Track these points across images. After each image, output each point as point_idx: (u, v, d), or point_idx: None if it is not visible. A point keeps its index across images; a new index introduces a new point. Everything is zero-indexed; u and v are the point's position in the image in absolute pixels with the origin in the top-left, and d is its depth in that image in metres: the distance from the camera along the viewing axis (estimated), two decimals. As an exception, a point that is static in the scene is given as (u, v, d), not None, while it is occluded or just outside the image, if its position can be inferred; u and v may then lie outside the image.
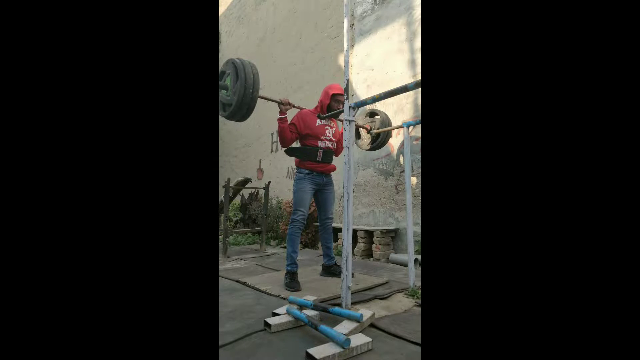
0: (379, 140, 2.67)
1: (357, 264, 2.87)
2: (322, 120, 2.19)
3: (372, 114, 2.72)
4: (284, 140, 2.11)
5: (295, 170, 2.25)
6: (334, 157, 2.28)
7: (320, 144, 2.18)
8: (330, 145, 2.23)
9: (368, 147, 2.74)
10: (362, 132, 2.75)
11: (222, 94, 1.55)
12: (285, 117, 2.06)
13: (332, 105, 2.17)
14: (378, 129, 2.63)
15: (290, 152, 2.22)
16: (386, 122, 2.65)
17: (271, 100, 1.97)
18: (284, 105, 2.02)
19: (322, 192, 2.29)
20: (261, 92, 1.64)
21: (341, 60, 4.02)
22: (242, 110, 1.49)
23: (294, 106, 2.07)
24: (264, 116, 5.33)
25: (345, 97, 1.61)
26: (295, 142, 2.20)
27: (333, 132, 2.27)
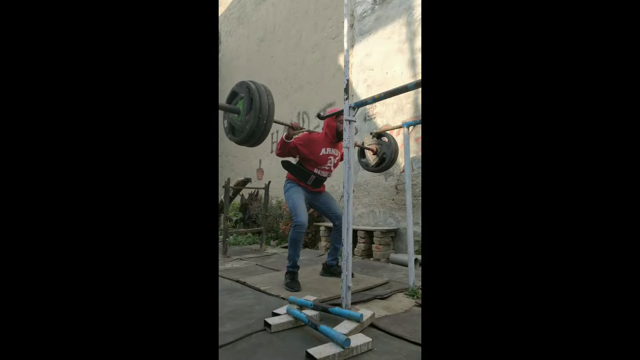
0: (385, 163, 2.53)
1: (357, 264, 2.87)
2: (328, 149, 2.17)
3: (380, 135, 2.59)
4: (282, 154, 2.11)
5: (285, 180, 2.27)
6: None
7: (316, 170, 2.19)
8: (325, 175, 2.24)
9: (373, 168, 2.62)
10: (368, 153, 2.63)
11: (233, 117, 1.48)
12: (291, 141, 2.04)
13: (338, 126, 2.12)
14: (383, 153, 2.51)
15: (285, 165, 2.23)
16: (393, 146, 2.50)
17: (282, 124, 1.92)
18: (293, 130, 1.97)
19: (317, 198, 2.28)
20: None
21: (341, 60, 4.02)
22: (253, 139, 1.43)
23: (303, 129, 2.04)
24: (264, 116, 5.33)
25: (345, 97, 1.61)
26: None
27: (335, 161, 2.25)
